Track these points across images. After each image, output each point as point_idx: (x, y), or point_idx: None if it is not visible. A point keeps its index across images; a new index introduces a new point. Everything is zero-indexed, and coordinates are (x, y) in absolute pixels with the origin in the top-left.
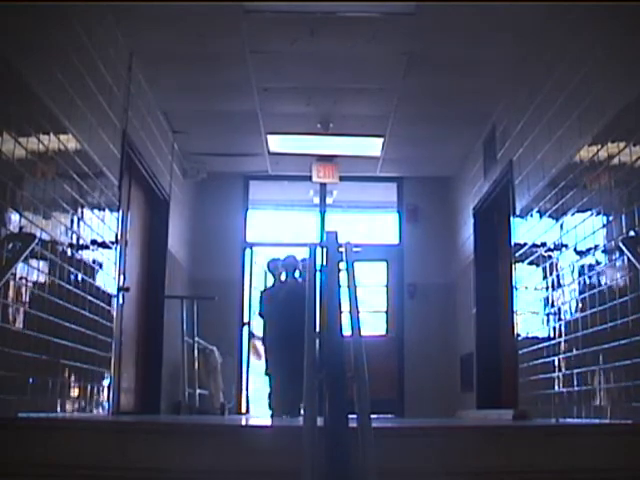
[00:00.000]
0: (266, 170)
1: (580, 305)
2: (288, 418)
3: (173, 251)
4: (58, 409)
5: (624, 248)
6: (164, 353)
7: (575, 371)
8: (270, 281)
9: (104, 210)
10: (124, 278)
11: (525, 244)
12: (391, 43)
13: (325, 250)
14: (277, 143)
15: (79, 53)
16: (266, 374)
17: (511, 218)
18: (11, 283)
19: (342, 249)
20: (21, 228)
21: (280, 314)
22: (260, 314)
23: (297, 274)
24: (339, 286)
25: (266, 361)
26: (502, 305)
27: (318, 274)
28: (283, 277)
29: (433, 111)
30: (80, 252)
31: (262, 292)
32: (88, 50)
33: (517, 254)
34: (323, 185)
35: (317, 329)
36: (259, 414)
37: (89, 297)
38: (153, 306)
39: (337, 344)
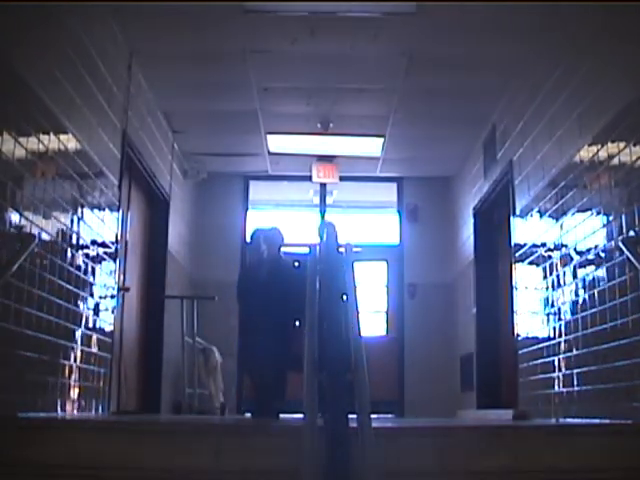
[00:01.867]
0: (266, 170)
1: (580, 305)
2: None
3: (173, 251)
4: (58, 409)
5: (624, 248)
6: (164, 353)
7: (575, 371)
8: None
9: (104, 210)
10: (124, 278)
11: (525, 244)
12: (391, 43)
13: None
14: (277, 143)
15: (79, 53)
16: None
17: (511, 218)
18: (11, 283)
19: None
20: (21, 228)
21: (261, 299)
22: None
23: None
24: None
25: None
26: (502, 305)
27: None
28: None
29: (433, 111)
30: (80, 252)
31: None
32: (88, 50)
33: (517, 254)
34: (323, 185)
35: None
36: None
37: (89, 297)
38: (153, 306)
39: (337, 344)
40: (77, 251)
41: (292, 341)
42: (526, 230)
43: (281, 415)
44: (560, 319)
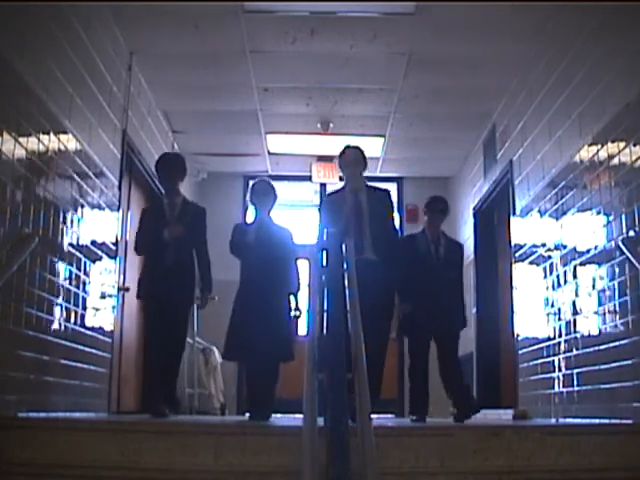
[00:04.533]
0: (266, 170)
1: (580, 305)
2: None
3: None
4: (58, 409)
5: (624, 248)
6: None
7: (575, 371)
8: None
9: (104, 210)
10: (124, 278)
11: (525, 244)
12: (391, 43)
13: (326, 250)
14: (277, 143)
15: (79, 53)
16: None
17: (511, 218)
18: (11, 283)
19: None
20: (21, 228)
21: (249, 268)
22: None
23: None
24: (343, 286)
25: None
26: (502, 305)
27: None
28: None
29: (433, 111)
30: (80, 252)
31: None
32: (88, 50)
33: (517, 254)
34: (323, 185)
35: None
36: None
37: (89, 297)
38: None
39: (338, 344)
40: (77, 251)
41: (283, 327)
42: (526, 230)
43: (273, 415)
44: (560, 319)
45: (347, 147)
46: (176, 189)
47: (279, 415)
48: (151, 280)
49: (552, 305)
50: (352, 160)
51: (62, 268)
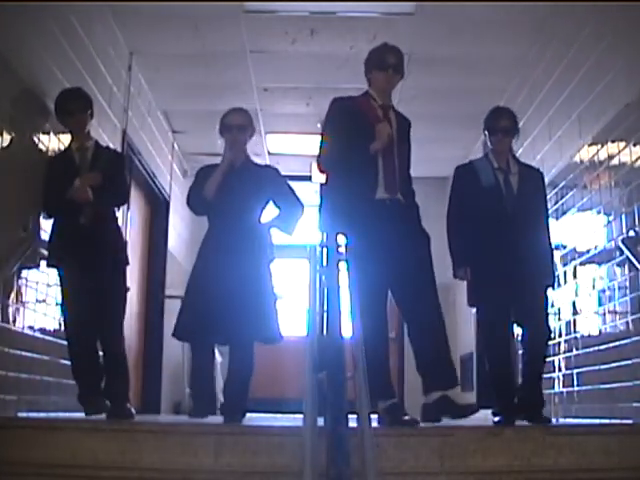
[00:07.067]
0: None
1: (580, 305)
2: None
3: (173, 251)
4: (58, 409)
5: (624, 248)
6: (164, 353)
7: (575, 371)
8: None
9: None
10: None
11: None
12: (391, 43)
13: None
14: (277, 143)
15: (79, 53)
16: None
17: None
18: (10, 283)
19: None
20: (21, 228)
21: (221, 220)
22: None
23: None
24: (338, 286)
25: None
26: None
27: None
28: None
29: (433, 111)
30: None
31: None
32: (88, 50)
33: None
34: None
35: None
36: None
37: None
38: (153, 306)
39: (337, 344)
40: None
41: (262, 299)
42: None
43: (279, 415)
44: (560, 319)
45: (385, 44)
46: (85, 132)
47: (279, 415)
48: (63, 243)
49: (552, 305)
50: (393, 63)
51: None
